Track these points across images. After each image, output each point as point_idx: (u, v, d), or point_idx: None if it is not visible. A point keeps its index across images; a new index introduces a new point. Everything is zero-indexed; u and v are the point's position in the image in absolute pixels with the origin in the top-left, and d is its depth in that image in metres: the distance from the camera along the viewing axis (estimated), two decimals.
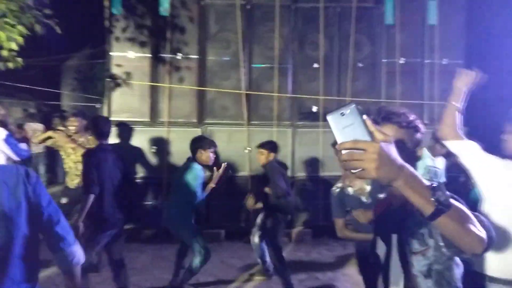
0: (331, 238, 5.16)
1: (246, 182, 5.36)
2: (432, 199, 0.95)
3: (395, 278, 1.38)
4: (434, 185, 0.97)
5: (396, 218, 1.38)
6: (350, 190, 2.90)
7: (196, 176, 3.61)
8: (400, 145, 1.11)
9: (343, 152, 0.91)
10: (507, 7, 6.53)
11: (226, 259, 4.86)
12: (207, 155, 3.72)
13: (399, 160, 0.94)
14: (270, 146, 4.14)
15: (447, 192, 0.98)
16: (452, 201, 0.99)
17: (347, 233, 2.88)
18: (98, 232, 3.20)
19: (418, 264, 1.31)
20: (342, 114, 0.93)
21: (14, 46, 4.02)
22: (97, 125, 3.35)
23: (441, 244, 1.22)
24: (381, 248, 1.49)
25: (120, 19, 5.38)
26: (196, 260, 3.59)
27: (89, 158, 3.23)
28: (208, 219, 5.34)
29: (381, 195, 2.86)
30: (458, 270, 1.34)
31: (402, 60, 5.61)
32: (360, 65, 5.62)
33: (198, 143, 3.77)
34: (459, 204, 1.03)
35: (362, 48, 5.65)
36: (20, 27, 4.08)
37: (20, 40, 4.09)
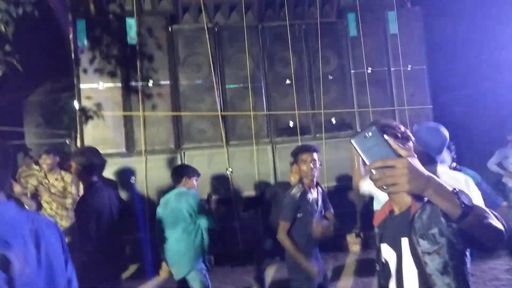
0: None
1: (231, 204, 5.30)
2: (459, 202, 1.06)
3: (408, 281, 1.41)
4: (457, 190, 1.08)
5: (402, 222, 1.42)
6: (310, 196, 3.02)
7: (194, 197, 3.42)
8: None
9: (374, 171, 0.96)
10: (460, 13, 6.96)
11: (218, 284, 4.74)
12: (191, 183, 3.58)
13: (426, 171, 1.04)
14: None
15: (469, 195, 1.09)
16: (473, 202, 1.10)
17: (287, 241, 2.95)
18: None
19: (433, 263, 1.34)
20: (365, 137, 1.00)
21: None
22: (88, 157, 2.82)
23: (454, 241, 1.29)
24: (387, 255, 1.50)
25: (86, 51, 5.28)
26: None
27: (85, 206, 2.72)
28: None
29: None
30: (469, 264, 1.40)
31: (369, 70, 5.80)
32: (330, 77, 5.77)
33: (182, 171, 3.63)
34: (479, 204, 1.14)
35: (330, 61, 5.81)
36: None
37: None
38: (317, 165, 3.02)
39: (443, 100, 6.57)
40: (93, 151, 2.99)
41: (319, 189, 3.15)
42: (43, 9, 4.57)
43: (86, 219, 2.65)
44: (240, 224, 5.25)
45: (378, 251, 1.57)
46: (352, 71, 5.84)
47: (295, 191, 3.01)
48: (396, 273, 1.45)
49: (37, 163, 5.06)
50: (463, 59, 6.99)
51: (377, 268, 1.60)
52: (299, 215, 2.98)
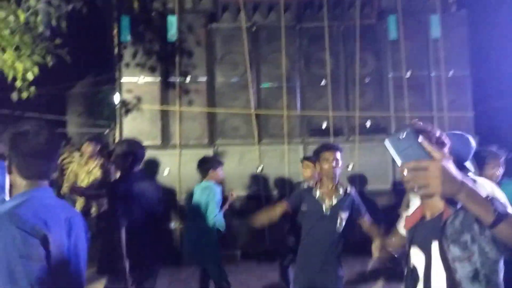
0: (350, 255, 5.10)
1: (260, 201, 5.34)
2: (492, 209, 1.05)
3: (436, 286, 1.39)
4: (491, 197, 1.07)
5: (434, 227, 1.42)
6: (317, 193, 2.93)
7: (215, 194, 3.57)
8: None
9: (406, 173, 0.97)
10: (506, 19, 6.65)
11: (244, 280, 4.80)
12: (217, 174, 3.74)
13: (460, 175, 1.04)
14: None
15: (503, 202, 1.09)
16: (508, 209, 1.09)
17: (263, 214, 3.04)
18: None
19: (463, 270, 1.32)
20: (399, 138, 1.02)
21: (31, 76, 4.09)
22: (130, 147, 2.87)
23: (486, 250, 1.27)
24: (417, 259, 1.49)
25: (129, 46, 5.50)
26: None
27: (123, 191, 2.76)
28: (223, 240, 5.30)
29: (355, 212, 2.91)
30: (501, 273, 1.37)
31: (408, 74, 5.67)
32: (367, 80, 5.69)
33: (208, 164, 3.76)
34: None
35: (367, 63, 5.72)
36: (36, 57, 4.17)
37: (36, 70, 4.17)
38: (339, 164, 2.93)
39: (486, 109, 6.30)
40: (135, 141, 3.04)
41: (342, 193, 2.94)
42: (91, 5, 4.78)
43: (120, 205, 2.67)
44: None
45: (407, 255, 1.56)
46: (390, 75, 5.72)
47: (304, 184, 3.25)
48: (424, 277, 1.44)
49: (78, 150, 5.31)
50: (508, 67, 6.67)
51: (405, 272, 1.59)
52: (303, 208, 2.95)
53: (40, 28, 4.16)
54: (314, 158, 3.22)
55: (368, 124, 5.60)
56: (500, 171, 3.05)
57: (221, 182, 3.88)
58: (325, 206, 2.88)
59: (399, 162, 1.05)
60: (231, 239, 5.37)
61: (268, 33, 5.65)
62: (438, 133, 1.52)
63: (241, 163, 5.39)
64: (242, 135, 5.52)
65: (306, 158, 4.06)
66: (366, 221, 2.97)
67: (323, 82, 5.58)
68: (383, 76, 5.72)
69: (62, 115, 14.53)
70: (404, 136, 1.05)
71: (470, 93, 5.74)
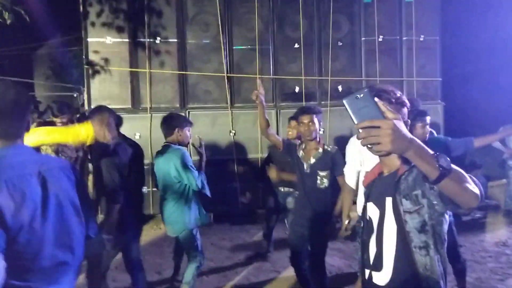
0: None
1: (232, 165, 5.41)
2: (437, 165, 1.12)
3: (388, 237, 1.50)
4: (437, 154, 1.14)
5: (389, 183, 1.51)
6: (300, 152, 3.24)
7: (187, 159, 3.19)
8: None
9: (361, 130, 1.06)
10: None
11: (216, 241, 4.94)
12: (185, 134, 3.30)
13: (409, 134, 1.11)
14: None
15: (448, 159, 1.14)
16: (452, 165, 1.15)
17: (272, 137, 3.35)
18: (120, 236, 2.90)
19: (412, 221, 1.42)
20: (357, 98, 1.07)
21: None
22: (108, 115, 2.85)
23: (434, 202, 1.35)
24: (372, 213, 1.59)
25: (95, 4, 5.24)
26: (193, 268, 3.25)
27: (110, 158, 2.79)
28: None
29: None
30: (446, 225, 1.47)
31: (380, 38, 5.69)
32: (340, 43, 5.68)
33: (175, 121, 3.32)
34: (457, 168, 1.19)
35: (341, 27, 5.69)
36: None
37: None
38: (315, 126, 3.09)
39: (453, 74, 6.45)
40: (108, 109, 3.02)
41: (321, 152, 3.16)
42: None
43: (114, 172, 2.78)
44: (240, 185, 5.38)
45: (364, 209, 1.66)
46: (363, 39, 5.72)
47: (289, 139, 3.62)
48: (378, 229, 1.54)
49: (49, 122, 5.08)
50: (477, 35, 6.79)
51: (361, 225, 1.69)
52: (290, 159, 3.33)
53: None
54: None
55: (340, 88, 5.65)
56: (427, 129, 3.22)
57: (187, 145, 3.45)
58: (306, 165, 3.15)
59: (355, 120, 1.09)
60: (203, 202, 5.46)
61: None
62: (398, 94, 1.56)
63: (214, 127, 5.39)
64: (215, 98, 5.47)
65: (292, 118, 4.03)
66: (341, 179, 3.22)
67: (296, 45, 5.54)
68: (355, 40, 5.73)
69: (30, 78, 13.90)
70: (361, 96, 1.09)
71: (439, 59, 5.84)
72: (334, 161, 3.17)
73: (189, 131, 3.36)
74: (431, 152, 1.15)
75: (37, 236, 1.30)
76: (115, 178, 2.81)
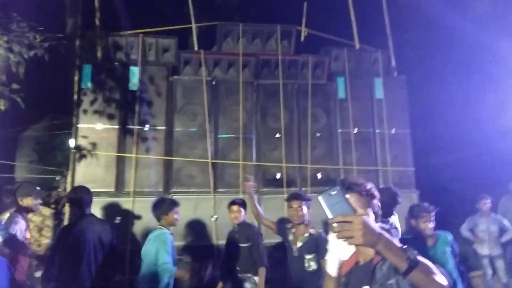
0: None
1: (213, 251, 5.32)
2: (405, 257, 1.25)
3: None
4: (405, 247, 1.28)
5: (366, 272, 1.58)
6: (291, 235, 3.50)
7: (165, 242, 3.50)
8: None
9: (335, 224, 1.17)
10: (443, 83, 7.47)
11: None
12: (171, 218, 3.74)
13: (378, 228, 1.27)
14: (243, 203, 4.35)
15: (415, 251, 1.28)
16: (419, 258, 1.28)
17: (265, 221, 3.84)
18: None
19: None
20: (330, 195, 1.26)
21: None
22: (79, 194, 3.25)
23: None
24: None
25: (89, 93, 5.55)
26: None
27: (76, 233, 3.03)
28: None
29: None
30: None
31: (355, 130, 6.12)
32: (318, 134, 6.06)
33: (160, 209, 3.76)
34: (425, 260, 1.31)
35: (318, 119, 6.14)
36: None
37: None
38: (303, 211, 3.32)
39: (425, 165, 6.85)
40: (84, 188, 3.40)
41: (307, 235, 3.43)
42: (52, 53, 4.83)
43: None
44: (221, 273, 5.21)
45: None
46: (339, 130, 6.14)
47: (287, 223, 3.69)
48: None
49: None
50: (442, 127, 7.40)
51: None
52: (284, 239, 3.59)
53: None
54: (241, 201, 4.19)
55: (319, 176, 5.89)
56: (432, 224, 3.40)
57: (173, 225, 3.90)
58: (294, 248, 3.39)
59: (329, 215, 1.25)
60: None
61: (227, 87, 5.97)
62: (368, 186, 1.73)
63: (196, 211, 5.41)
64: (198, 183, 5.58)
65: (232, 203, 4.38)
66: (324, 263, 3.32)
67: (277, 135, 5.88)
68: (332, 132, 6.14)
69: (12, 160, 13.83)
70: (334, 193, 1.26)
71: (411, 150, 6.25)
72: (318, 244, 3.38)
73: (176, 213, 3.75)
74: (399, 245, 1.28)
75: None
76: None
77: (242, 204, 4.34)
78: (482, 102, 7.33)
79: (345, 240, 1.23)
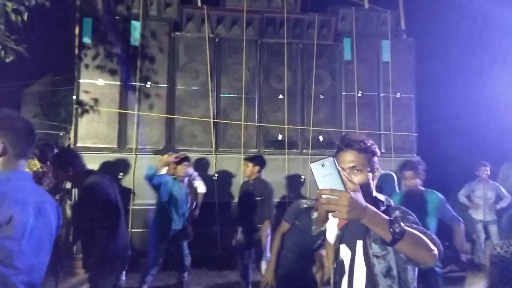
0: None
1: (214, 209, 5.43)
2: (391, 230, 1.27)
3: (358, 279, 1.59)
4: (391, 219, 1.30)
5: (360, 227, 1.60)
6: (314, 214, 3.20)
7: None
8: (364, 188, 1.46)
9: (323, 196, 1.23)
10: (451, 47, 7.27)
11: (192, 286, 4.84)
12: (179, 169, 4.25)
13: (364, 203, 1.27)
14: (258, 160, 4.48)
15: (402, 223, 1.29)
16: (407, 228, 1.30)
17: (277, 241, 3.27)
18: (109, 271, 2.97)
19: (379, 265, 1.53)
20: (323, 165, 1.24)
21: None
22: (70, 156, 3.19)
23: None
24: (344, 255, 1.69)
25: (90, 48, 5.46)
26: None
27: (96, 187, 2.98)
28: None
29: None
30: (414, 272, 1.56)
31: (359, 93, 6.04)
32: (322, 97, 6.00)
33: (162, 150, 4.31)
34: (413, 230, 1.34)
35: (323, 81, 6.05)
36: None
37: None
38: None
39: (428, 129, 6.83)
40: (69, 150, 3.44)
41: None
42: (53, 2, 4.69)
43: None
44: (220, 229, 5.38)
45: (337, 250, 1.74)
46: (343, 93, 6.07)
47: (305, 201, 3.31)
48: (349, 271, 1.63)
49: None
50: (448, 93, 7.29)
51: (334, 265, 1.77)
52: (297, 222, 3.24)
53: None
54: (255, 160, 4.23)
55: (321, 138, 5.89)
56: (416, 180, 3.44)
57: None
58: (315, 228, 3.19)
59: (319, 186, 1.25)
60: None
61: (230, 45, 5.84)
62: (368, 143, 1.68)
63: (197, 170, 5.47)
64: (200, 142, 5.61)
65: (245, 159, 4.62)
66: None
67: (280, 96, 5.83)
68: (336, 94, 6.07)
69: None
70: (327, 164, 1.25)
71: (414, 115, 6.20)
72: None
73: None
74: (386, 217, 1.30)
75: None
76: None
77: (256, 160, 4.50)
78: (489, 73, 7.17)
79: (330, 213, 1.26)
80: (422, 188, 3.61)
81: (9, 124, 1.50)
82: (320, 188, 1.24)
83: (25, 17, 4.08)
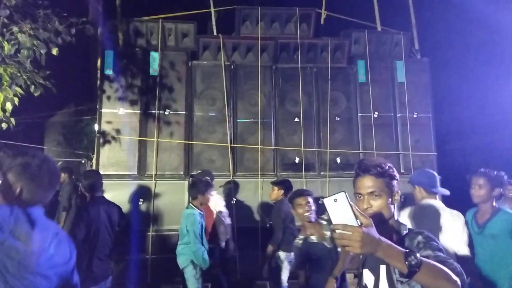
0: None
1: (232, 233, 5.43)
2: (406, 263, 1.27)
3: None
4: (407, 251, 1.29)
5: None
6: (313, 238, 3.14)
7: (194, 222, 3.84)
8: (379, 216, 1.51)
9: (336, 231, 1.27)
10: (465, 67, 7.24)
11: None
12: (205, 198, 4.08)
13: (377, 236, 1.29)
14: (285, 184, 4.60)
15: (417, 255, 1.29)
16: (424, 259, 1.29)
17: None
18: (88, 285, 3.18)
19: None
20: (335, 200, 1.29)
21: (10, 107, 4.13)
22: (88, 178, 3.48)
23: None
24: (367, 279, 1.68)
25: (111, 79, 5.69)
26: None
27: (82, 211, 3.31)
28: None
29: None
30: None
31: (376, 114, 6.04)
32: (337, 118, 6.03)
33: (196, 188, 4.10)
34: (430, 261, 1.32)
35: (338, 103, 6.09)
36: (17, 88, 4.21)
37: (16, 101, 4.20)
38: (312, 207, 3.18)
39: (447, 149, 6.72)
40: (95, 172, 3.78)
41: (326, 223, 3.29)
42: (77, 39, 4.92)
43: (76, 226, 3.17)
44: (239, 254, 5.36)
45: (360, 275, 1.74)
46: (359, 114, 6.08)
47: (297, 241, 3.20)
48: None
49: None
50: (467, 112, 7.20)
51: None
52: (313, 256, 3.11)
53: (25, 60, 4.17)
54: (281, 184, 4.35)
55: (338, 160, 5.88)
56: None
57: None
58: (326, 241, 3.08)
59: (332, 221, 1.30)
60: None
61: (245, 72, 5.99)
62: (386, 167, 1.66)
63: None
64: (218, 167, 5.68)
65: (272, 182, 4.82)
66: None
67: (296, 119, 5.89)
68: (352, 116, 6.08)
69: (40, 144, 14.38)
70: (338, 199, 1.29)
71: (433, 134, 6.14)
72: None
73: (209, 193, 4.12)
74: (401, 250, 1.30)
75: None
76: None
77: (283, 184, 4.65)
78: (505, 87, 7.08)
79: (343, 248, 1.29)
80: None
81: (30, 173, 1.58)
82: (333, 223, 1.28)
83: (55, 52, 4.28)
